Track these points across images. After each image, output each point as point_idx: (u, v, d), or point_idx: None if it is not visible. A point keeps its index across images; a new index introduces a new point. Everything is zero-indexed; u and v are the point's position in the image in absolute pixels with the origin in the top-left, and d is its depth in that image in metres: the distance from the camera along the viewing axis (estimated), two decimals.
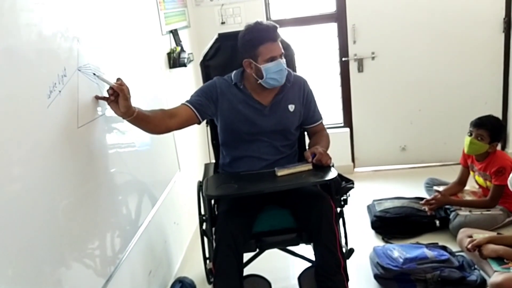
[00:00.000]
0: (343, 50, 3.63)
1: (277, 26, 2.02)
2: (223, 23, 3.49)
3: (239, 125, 2.10)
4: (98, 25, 1.76)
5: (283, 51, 2.03)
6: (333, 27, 3.62)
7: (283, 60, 2.02)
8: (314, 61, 4.02)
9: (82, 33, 1.59)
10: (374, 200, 3.10)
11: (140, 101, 2.19)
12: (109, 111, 1.79)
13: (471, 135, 2.72)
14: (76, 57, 1.52)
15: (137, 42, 2.21)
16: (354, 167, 3.89)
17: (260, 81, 2.03)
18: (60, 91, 1.38)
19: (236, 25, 3.43)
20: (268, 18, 3.58)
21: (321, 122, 2.26)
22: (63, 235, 1.41)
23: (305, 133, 2.32)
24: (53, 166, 1.36)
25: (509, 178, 2.17)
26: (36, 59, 1.32)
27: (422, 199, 2.94)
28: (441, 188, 3.02)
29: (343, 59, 3.64)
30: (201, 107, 2.06)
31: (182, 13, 3.12)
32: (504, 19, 3.43)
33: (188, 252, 2.78)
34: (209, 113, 2.10)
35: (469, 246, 2.27)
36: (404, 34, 3.53)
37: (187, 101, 2.07)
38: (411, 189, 3.25)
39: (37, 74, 1.31)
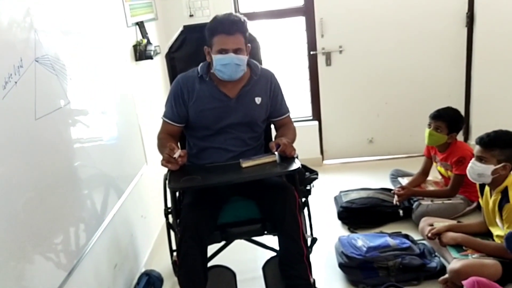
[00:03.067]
0: (311, 44, 3.66)
1: (242, 20, 1.99)
2: (191, 15, 3.47)
3: (205, 118, 2.10)
4: (58, 15, 1.73)
5: (241, 46, 1.99)
6: (301, 20, 3.65)
7: (239, 56, 1.98)
8: (283, 54, 4.04)
9: (40, 23, 1.56)
10: (341, 192, 3.16)
11: (107, 95, 2.17)
12: (73, 104, 1.77)
13: (430, 126, 2.81)
14: (34, 47, 1.50)
15: (100, 34, 2.18)
16: (323, 159, 3.94)
17: (211, 70, 2.06)
18: (16, 82, 1.36)
19: (205, 17, 3.41)
20: (236, 11, 3.58)
21: (288, 115, 2.27)
22: (24, 230, 1.39)
23: (272, 125, 2.34)
24: (10, 159, 1.34)
25: (467, 168, 2.25)
26: None
27: (387, 189, 3.03)
28: (405, 179, 3.11)
29: (311, 52, 3.68)
30: (179, 118, 2.14)
31: (149, 5, 3.09)
32: (466, 13, 3.52)
33: (156, 246, 2.78)
34: (185, 115, 2.13)
35: (429, 234, 2.35)
36: (370, 29, 3.59)
37: (164, 117, 2.17)
38: (378, 180, 3.31)
39: None
